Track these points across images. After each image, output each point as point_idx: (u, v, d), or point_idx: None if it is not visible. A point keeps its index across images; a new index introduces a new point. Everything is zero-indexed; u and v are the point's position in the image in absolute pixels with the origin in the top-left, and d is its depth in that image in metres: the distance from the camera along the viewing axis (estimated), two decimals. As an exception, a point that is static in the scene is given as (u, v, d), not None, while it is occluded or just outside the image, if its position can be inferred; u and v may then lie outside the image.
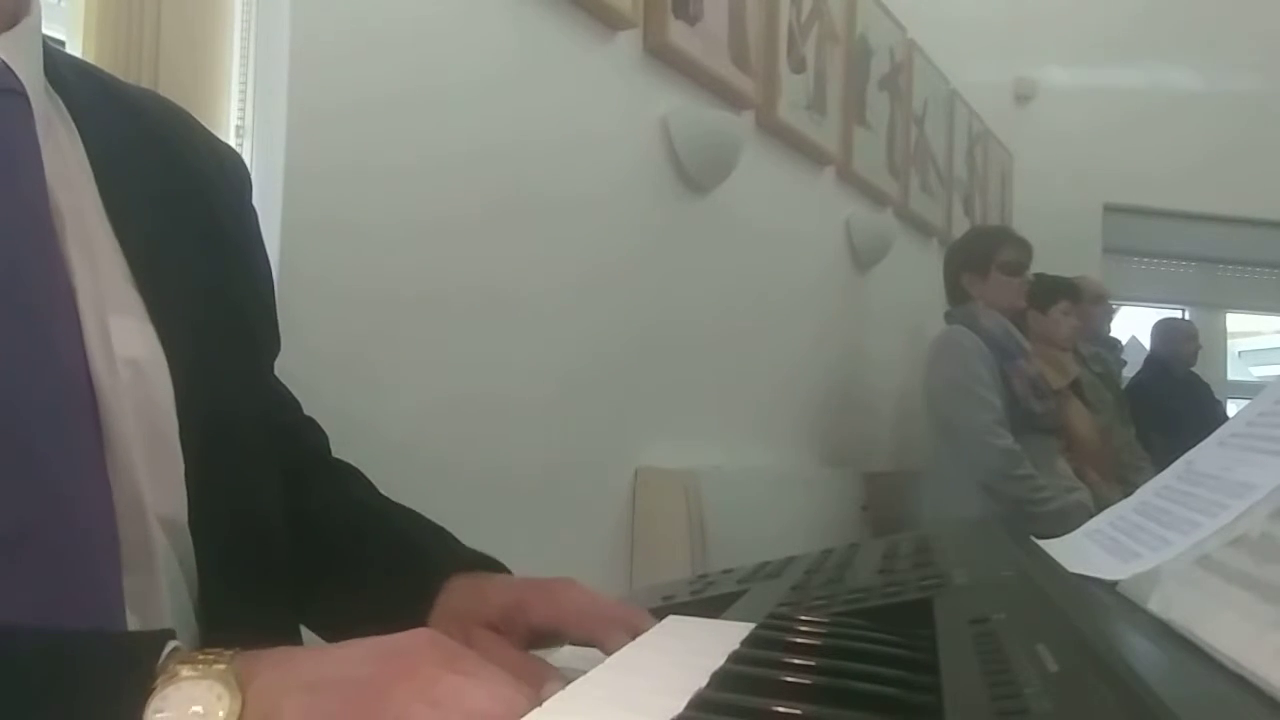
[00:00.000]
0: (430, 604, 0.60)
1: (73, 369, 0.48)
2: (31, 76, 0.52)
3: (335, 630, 0.60)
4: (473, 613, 0.58)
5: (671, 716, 0.31)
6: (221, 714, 0.36)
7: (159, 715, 0.36)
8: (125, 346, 0.51)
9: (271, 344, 0.69)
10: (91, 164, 0.54)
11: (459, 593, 0.61)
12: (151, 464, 0.51)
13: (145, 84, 1.03)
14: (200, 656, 0.38)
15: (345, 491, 0.71)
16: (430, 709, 0.35)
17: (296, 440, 0.71)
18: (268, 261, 0.69)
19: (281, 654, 0.40)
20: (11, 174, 0.49)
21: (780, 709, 0.32)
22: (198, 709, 0.36)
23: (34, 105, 0.51)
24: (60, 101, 0.55)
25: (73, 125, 0.55)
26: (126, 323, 0.52)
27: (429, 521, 0.69)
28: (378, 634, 0.40)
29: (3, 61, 0.50)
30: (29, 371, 0.46)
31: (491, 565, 0.64)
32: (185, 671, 0.37)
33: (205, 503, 0.53)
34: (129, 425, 0.50)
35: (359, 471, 0.73)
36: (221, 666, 0.38)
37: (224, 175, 0.66)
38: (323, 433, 0.75)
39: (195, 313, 0.56)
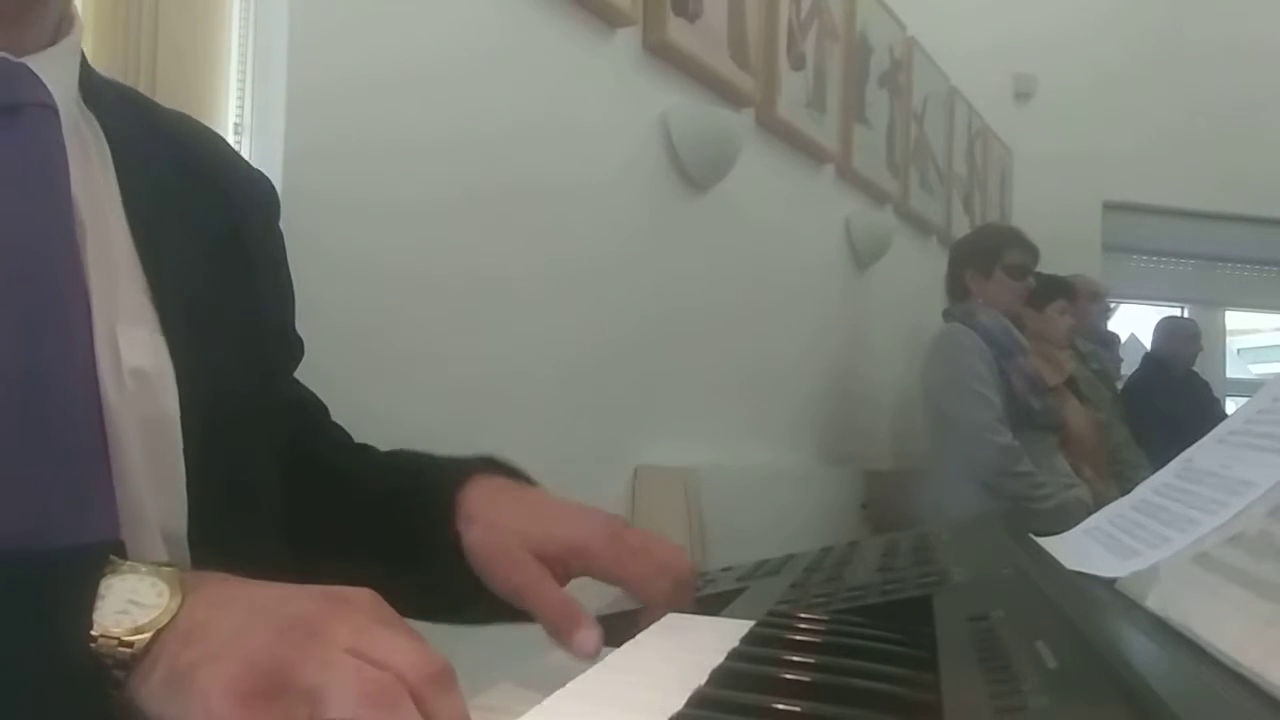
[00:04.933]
0: (450, 511, 0.59)
1: (83, 377, 0.49)
2: (65, 92, 0.54)
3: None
4: (529, 536, 0.57)
5: (671, 714, 0.31)
6: (157, 613, 0.36)
7: (100, 602, 0.36)
8: (134, 356, 0.52)
9: (288, 359, 0.71)
10: (119, 178, 0.56)
11: (501, 504, 0.59)
12: (154, 475, 0.52)
13: (143, 81, 1.03)
14: (143, 562, 0.39)
15: (358, 458, 0.71)
16: (354, 659, 0.35)
17: (334, 436, 0.73)
18: (290, 282, 0.71)
19: (228, 577, 0.40)
20: (39, 183, 0.50)
21: (780, 706, 0.32)
22: (135, 599, 0.37)
23: (65, 120, 0.53)
24: (94, 118, 0.57)
25: (104, 140, 0.57)
26: (138, 333, 0.53)
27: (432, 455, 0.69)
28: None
29: (38, 77, 0.52)
30: (40, 377, 0.47)
31: (508, 469, 0.64)
32: (127, 568, 0.38)
33: (204, 517, 0.54)
34: (133, 435, 0.50)
35: (374, 448, 0.74)
36: (166, 570, 0.38)
37: (250, 197, 0.68)
38: (346, 433, 0.76)
39: (206, 328, 0.57)
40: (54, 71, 0.53)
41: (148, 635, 0.36)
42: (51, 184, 0.51)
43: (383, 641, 0.36)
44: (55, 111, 0.53)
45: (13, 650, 0.35)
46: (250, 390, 0.60)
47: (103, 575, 0.37)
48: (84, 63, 0.58)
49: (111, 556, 0.39)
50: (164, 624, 0.36)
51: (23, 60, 0.52)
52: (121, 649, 0.35)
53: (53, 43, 0.54)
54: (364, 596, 0.39)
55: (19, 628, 0.36)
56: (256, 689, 0.34)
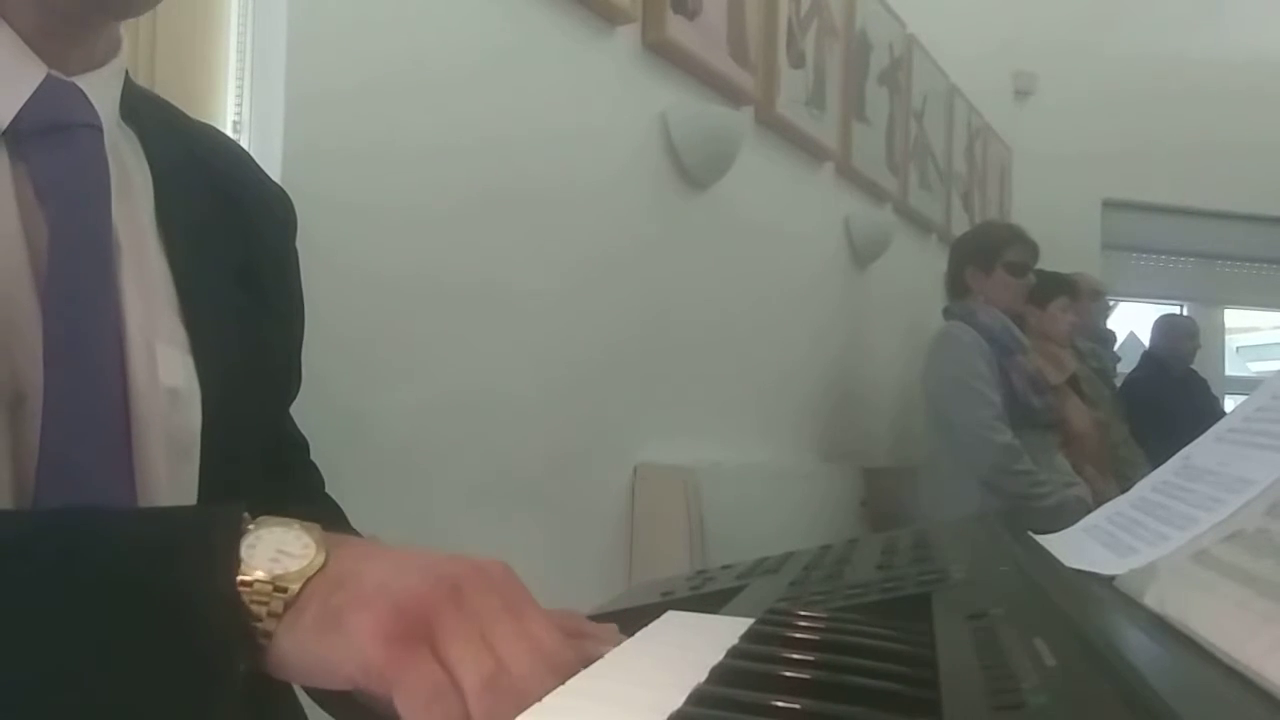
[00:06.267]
0: None
1: (111, 392, 0.50)
2: (108, 113, 0.56)
3: None
4: None
5: (671, 712, 0.31)
6: (306, 562, 0.38)
7: (251, 551, 0.38)
8: (166, 375, 0.53)
9: (291, 386, 0.71)
10: (156, 199, 0.57)
11: None
12: (173, 493, 0.52)
13: (142, 80, 1.02)
14: (286, 517, 0.40)
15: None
16: (490, 652, 0.36)
17: (299, 478, 0.73)
18: (302, 305, 0.71)
19: (363, 539, 0.42)
20: (81, 202, 0.52)
21: (779, 703, 0.32)
22: (285, 549, 0.38)
23: (107, 139, 0.55)
24: (135, 137, 0.59)
25: (144, 161, 0.58)
26: (169, 352, 0.54)
27: None
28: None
29: (87, 98, 0.54)
30: (71, 390, 0.48)
31: None
32: (274, 522, 0.39)
33: None
34: (161, 453, 0.51)
35: (342, 512, 0.75)
36: (310, 524, 0.40)
37: (270, 216, 0.68)
38: (320, 477, 0.76)
39: (228, 350, 0.58)
40: (100, 92, 0.55)
41: (299, 582, 0.37)
42: (94, 203, 0.52)
43: (511, 633, 0.38)
44: (101, 132, 0.54)
45: (168, 599, 0.36)
46: (259, 417, 0.61)
47: (248, 529, 0.39)
48: (127, 80, 0.59)
49: (245, 514, 0.40)
50: (313, 572, 0.38)
51: (72, 80, 0.53)
52: (277, 594, 0.37)
53: (101, 64, 0.56)
54: (498, 569, 0.41)
55: (174, 576, 0.37)
56: (402, 633, 0.36)
